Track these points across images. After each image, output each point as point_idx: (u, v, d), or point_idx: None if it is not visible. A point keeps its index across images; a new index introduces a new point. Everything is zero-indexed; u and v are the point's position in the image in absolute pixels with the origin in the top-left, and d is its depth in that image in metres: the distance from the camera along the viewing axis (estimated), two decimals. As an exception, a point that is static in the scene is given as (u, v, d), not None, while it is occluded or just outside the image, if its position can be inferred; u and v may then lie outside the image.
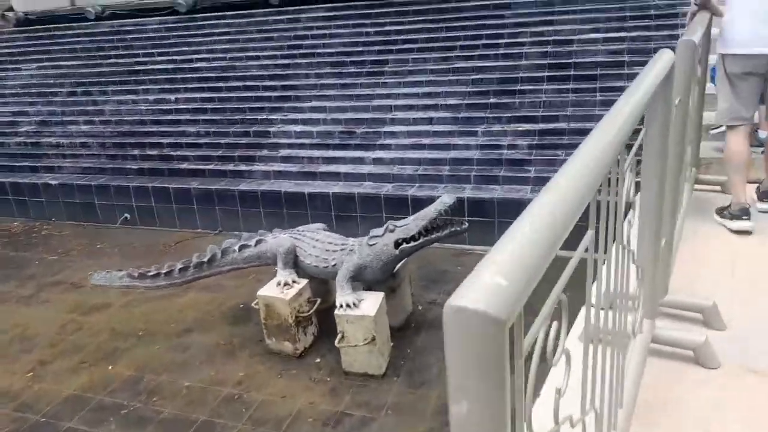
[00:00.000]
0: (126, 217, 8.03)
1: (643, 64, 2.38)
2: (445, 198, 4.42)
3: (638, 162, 2.27)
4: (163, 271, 4.97)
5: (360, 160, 7.16)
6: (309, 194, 6.88)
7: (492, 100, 7.41)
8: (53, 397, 4.63)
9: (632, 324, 2.46)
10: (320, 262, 4.73)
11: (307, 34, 9.65)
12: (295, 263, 4.89)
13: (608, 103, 6.89)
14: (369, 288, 4.79)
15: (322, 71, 8.77)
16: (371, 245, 4.52)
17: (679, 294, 3.15)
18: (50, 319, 5.86)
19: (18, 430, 4.30)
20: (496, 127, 7.03)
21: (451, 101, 7.57)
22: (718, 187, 4.64)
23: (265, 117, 8.23)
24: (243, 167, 7.54)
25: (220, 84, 9.17)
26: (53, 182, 8.32)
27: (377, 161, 7.09)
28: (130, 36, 11.17)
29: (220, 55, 9.81)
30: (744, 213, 3.88)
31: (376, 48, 8.89)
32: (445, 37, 8.69)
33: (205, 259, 5.00)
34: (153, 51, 10.51)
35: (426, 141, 7.13)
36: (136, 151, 8.39)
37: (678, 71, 2.68)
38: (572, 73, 7.39)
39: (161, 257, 7.07)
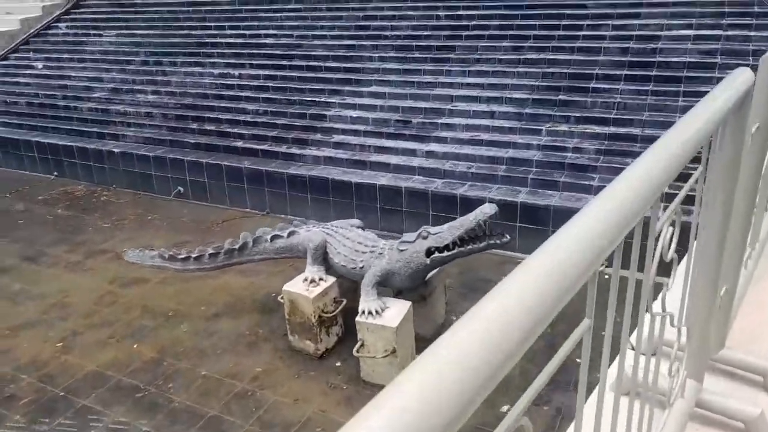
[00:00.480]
0: (179, 190, 8.08)
1: (737, 67, 1.92)
2: (486, 208, 4.03)
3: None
4: (194, 256, 4.87)
5: (412, 152, 6.81)
6: (356, 184, 6.62)
7: (561, 97, 6.83)
8: (76, 371, 4.66)
9: (672, 385, 2.03)
10: (348, 262, 4.47)
11: (376, 14, 9.31)
12: (325, 260, 4.65)
13: (692, 110, 6.18)
14: (399, 293, 4.49)
15: (387, 54, 8.43)
16: (402, 251, 4.21)
17: (736, 350, 2.66)
18: (91, 288, 5.94)
19: (36, 401, 4.34)
20: (563, 127, 6.47)
21: (517, 95, 7.05)
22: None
23: (323, 99, 8.00)
24: (295, 150, 7.36)
25: (284, 62, 9.02)
26: (116, 150, 8.48)
27: (429, 155, 6.71)
28: (206, 8, 11.20)
29: (288, 32, 9.65)
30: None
31: (445, 33, 8.44)
32: (519, 25, 8.11)
33: (237, 247, 4.86)
34: (225, 24, 10.49)
35: (484, 136, 6.68)
36: (195, 125, 8.40)
37: (759, 92, 2.17)
38: (654, 73, 6.69)
39: (207, 234, 7.07)
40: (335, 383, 4.34)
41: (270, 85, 8.64)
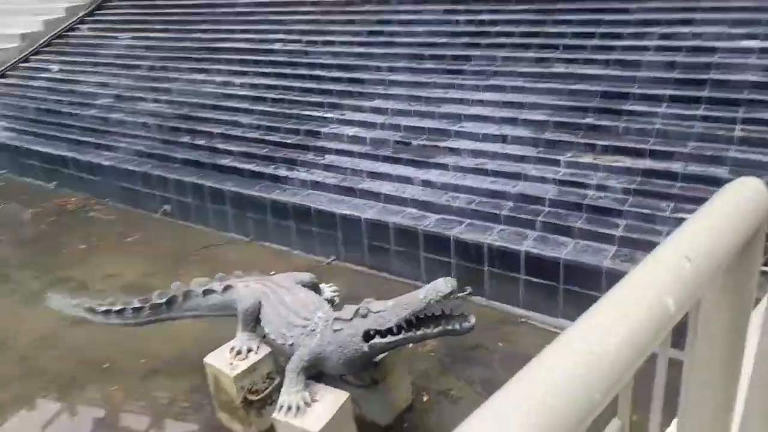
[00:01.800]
0: (165, 210, 7.39)
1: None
2: (440, 284, 3.04)
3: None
4: (114, 309, 4.09)
5: (407, 180, 5.83)
6: (340, 216, 5.71)
7: (588, 120, 5.69)
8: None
9: None
10: (277, 336, 3.56)
11: (391, 18, 8.36)
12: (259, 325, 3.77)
13: (751, 143, 4.94)
14: (342, 376, 3.55)
15: (396, 64, 7.46)
16: (335, 330, 3.27)
17: None
18: (36, 327, 5.27)
19: None
20: (586, 158, 5.34)
21: (536, 116, 5.95)
22: None
23: (321, 114, 7.12)
24: (282, 171, 6.52)
25: (288, 70, 8.20)
26: (106, 163, 7.89)
27: (426, 184, 5.71)
28: (222, 9, 10.55)
29: (297, 37, 8.83)
30: None
31: (463, 40, 7.40)
32: (548, 32, 6.98)
33: (163, 301, 4.04)
34: (236, 27, 9.80)
35: (491, 165, 5.63)
36: (186, 138, 7.70)
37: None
38: (706, 93, 5.45)
39: (183, 263, 6.30)
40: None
41: (269, 96, 7.84)
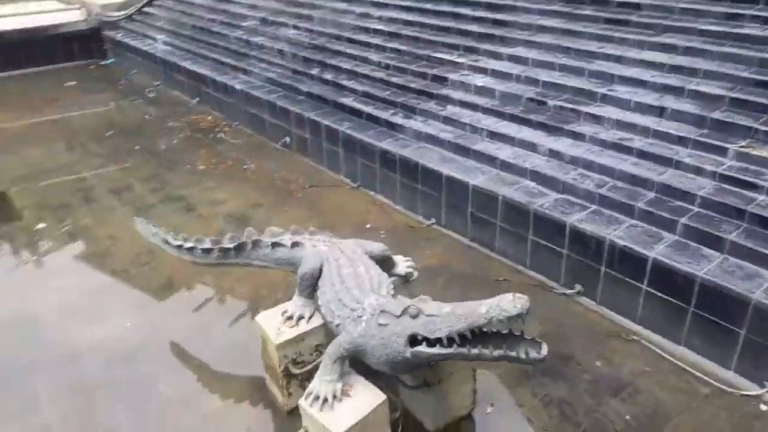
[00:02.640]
0: (284, 142, 7.28)
1: None
2: (507, 303, 2.40)
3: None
4: (186, 246, 3.95)
5: (531, 147, 5.03)
6: (446, 177, 5.11)
7: (780, 101, 4.42)
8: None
9: None
10: (327, 312, 3.17)
11: (557, -48, 7.22)
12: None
13: None
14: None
15: (549, 7, 6.45)
16: (381, 325, 2.78)
17: None
18: (137, 241, 5.44)
19: None
20: (764, 151, 4.16)
21: (710, 88, 4.76)
22: None
23: (453, 59, 6.40)
24: (399, 119, 5.99)
25: (429, 5, 7.51)
26: (238, 86, 7.92)
27: (553, 155, 4.88)
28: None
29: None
30: None
31: (637, -16, 6.15)
32: (751, -20, 5.53)
33: (232, 246, 3.81)
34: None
35: (638, 143, 4.63)
36: (315, 71, 7.42)
37: None
38: None
39: (287, 199, 6.18)
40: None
41: (405, 32, 7.24)
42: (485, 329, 2.51)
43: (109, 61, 12.07)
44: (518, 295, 2.42)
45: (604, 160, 4.62)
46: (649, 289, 3.92)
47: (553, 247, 4.43)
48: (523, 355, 2.48)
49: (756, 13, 5.21)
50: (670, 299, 3.81)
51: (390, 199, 5.85)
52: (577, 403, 3.49)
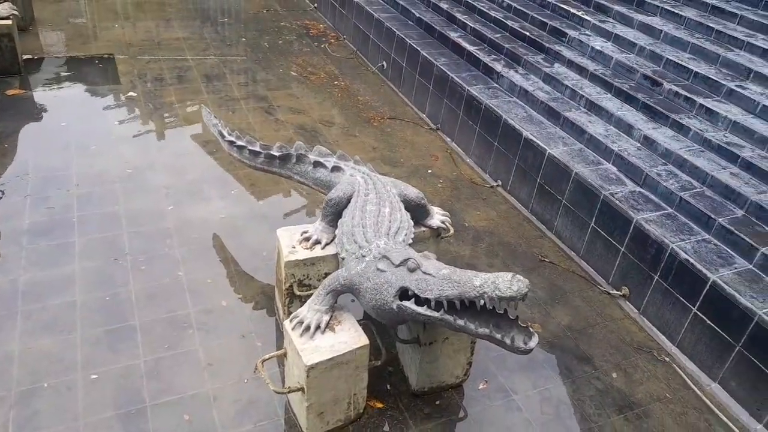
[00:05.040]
0: (382, 65, 7.33)
1: None
2: (502, 282, 2.39)
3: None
4: (237, 143, 4.20)
5: (627, 129, 4.75)
6: (525, 140, 4.97)
7: None
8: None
9: None
10: (338, 243, 3.30)
11: None
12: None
13: None
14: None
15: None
16: (378, 270, 2.87)
17: None
18: (195, 136, 5.76)
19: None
20: None
21: None
22: None
23: (579, 14, 6.06)
24: (499, 66, 5.83)
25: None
26: (354, -2, 7.98)
27: (647, 142, 4.59)
28: None
29: None
30: None
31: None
32: None
33: (278, 155, 4.02)
34: None
35: (748, 152, 4.23)
36: (434, -4, 7.30)
37: None
38: None
39: (365, 126, 6.27)
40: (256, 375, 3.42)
41: (540, -27, 6.89)
42: (469, 306, 2.54)
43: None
44: (518, 277, 2.41)
45: (701, 161, 4.29)
46: (699, 312, 3.70)
47: (612, 241, 4.25)
48: (507, 341, 2.50)
49: None
50: (720, 330, 3.58)
51: (464, 150, 5.80)
52: (577, 408, 3.45)
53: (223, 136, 4.36)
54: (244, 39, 8.13)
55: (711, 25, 5.35)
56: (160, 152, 5.44)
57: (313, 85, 7.02)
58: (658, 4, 5.80)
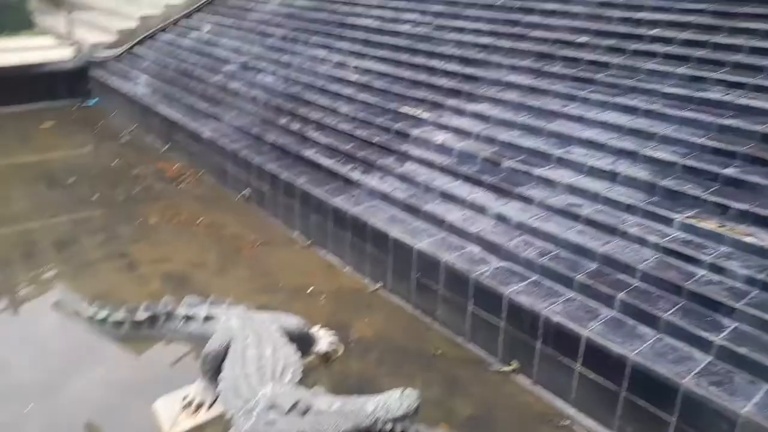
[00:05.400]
0: (244, 195, 7.45)
1: None
2: (393, 401, 2.47)
3: None
4: (97, 318, 4.05)
5: (480, 210, 5.10)
6: (393, 239, 5.18)
7: (730, 171, 4.46)
8: None
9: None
10: (224, 400, 3.19)
11: (534, 6, 7.46)
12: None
13: None
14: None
15: (520, 63, 6.62)
16: (267, 423, 2.81)
17: None
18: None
19: None
20: (709, 223, 4.18)
21: (664, 153, 4.82)
22: None
23: (418, 114, 6.58)
24: (356, 174, 6.13)
25: (404, 57, 7.75)
26: (207, 134, 8.15)
27: (500, 220, 4.94)
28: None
29: (428, 20, 8.33)
30: None
31: (608, 42, 6.32)
32: (718, 43, 5.67)
33: (144, 319, 3.90)
34: (373, 2, 9.53)
35: (586, 210, 4.68)
36: (283, 121, 7.65)
37: None
38: None
39: (235, 259, 6.18)
40: None
41: (376, 85, 7.46)
42: (373, 429, 2.54)
43: (92, 102, 12.49)
44: (407, 391, 2.49)
45: (550, 226, 4.66)
46: (582, 369, 3.90)
47: (490, 320, 4.44)
48: None
49: (721, 76, 5.31)
50: (603, 381, 3.78)
51: (340, 259, 5.92)
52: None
53: (80, 315, 4.18)
54: (96, 196, 7.94)
55: (531, 103, 5.99)
56: None
57: (175, 229, 6.93)
58: (485, 93, 6.43)
